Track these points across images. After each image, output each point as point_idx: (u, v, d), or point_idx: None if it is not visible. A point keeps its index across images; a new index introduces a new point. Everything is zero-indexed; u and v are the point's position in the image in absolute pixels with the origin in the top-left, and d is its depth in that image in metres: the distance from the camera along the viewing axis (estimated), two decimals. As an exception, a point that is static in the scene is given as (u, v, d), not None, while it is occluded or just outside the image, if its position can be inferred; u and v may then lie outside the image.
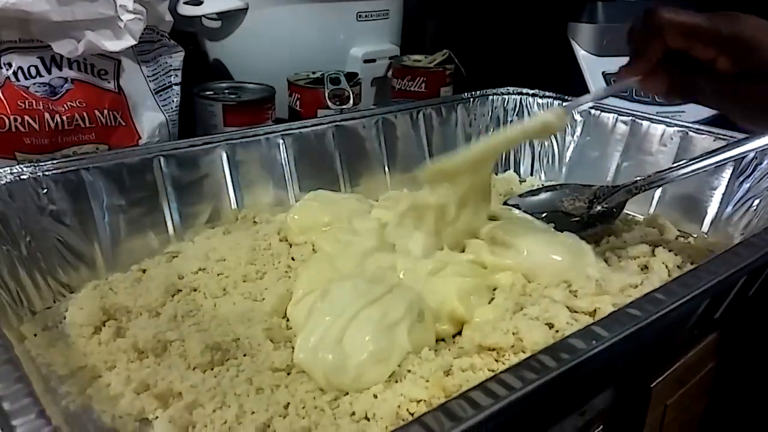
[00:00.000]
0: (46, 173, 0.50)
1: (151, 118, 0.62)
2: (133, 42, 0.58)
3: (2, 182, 0.49)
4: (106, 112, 0.59)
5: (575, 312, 0.44)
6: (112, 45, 0.57)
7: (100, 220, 0.52)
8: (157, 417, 0.38)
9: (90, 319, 0.45)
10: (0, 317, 0.44)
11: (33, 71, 0.56)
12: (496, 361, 0.40)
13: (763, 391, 0.61)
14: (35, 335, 0.45)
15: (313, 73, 0.76)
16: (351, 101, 0.71)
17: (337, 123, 0.65)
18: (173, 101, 0.64)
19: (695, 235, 0.62)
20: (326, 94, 0.70)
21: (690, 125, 0.66)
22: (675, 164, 0.60)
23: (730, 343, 0.57)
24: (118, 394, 0.39)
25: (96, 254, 0.52)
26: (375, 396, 0.37)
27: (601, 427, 0.45)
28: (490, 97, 0.77)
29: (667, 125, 0.67)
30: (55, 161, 0.51)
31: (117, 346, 0.43)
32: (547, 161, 0.76)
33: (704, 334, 0.53)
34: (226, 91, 0.70)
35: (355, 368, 0.37)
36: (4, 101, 0.54)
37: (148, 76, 0.62)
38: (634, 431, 0.51)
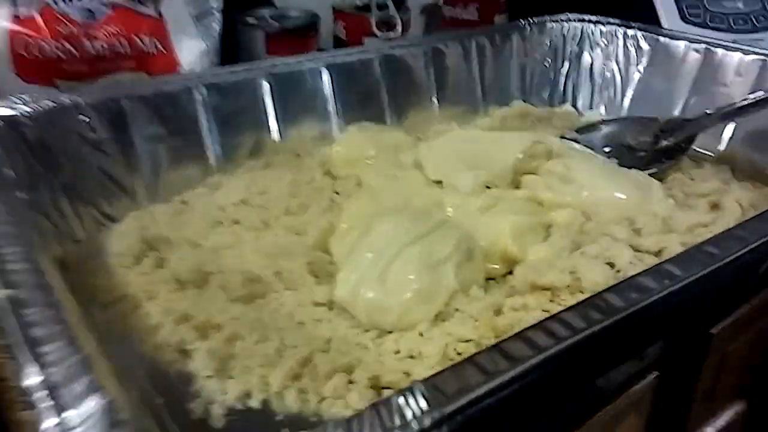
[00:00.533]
0: (87, 101, 0.49)
1: (191, 46, 0.60)
2: (171, -36, 0.55)
3: (43, 109, 0.48)
4: (145, 38, 0.57)
5: (639, 251, 0.40)
6: (151, -33, 0.55)
7: (141, 149, 0.51)
8: (196, 348, 0.37)
9: (131, 249, 0.45)
10: (42, 245, 0.43)
11: (72, -4, 0.55)
12: (551, 301, 0.37)
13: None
14: (77, 264, 0.45)
15: (358, -1, 0.72)
16: (399, 29, 0.67)
17: (385, 52, 0.62)
18: (215, 28, 0.62)
19: (772, 174, 0.57)
20: (373, 21, 0.66)
21: (771, 54, 0.60)
22: (750, 96, 0.55)
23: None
24: (158, 324, 0.38)
25: (137, 184, 0.51)
26: (420, 334, 0.35)
27: (656, 374, 0.43)
28: (548, 25, 0.72)
29: (744, 53, 0.61)
30: (95, 89, 0.50)
31: (158, 277, 0.42)
32: (609, 94, 0.70)
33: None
34: (270, 17, 0.67)
35: (399, 307, 0.35)
36: (44, 26, 0.53)
37: (187, 1, 0.60)
38: (691, 380, 0.48)
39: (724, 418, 0.47)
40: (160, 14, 0.58)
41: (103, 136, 0.49)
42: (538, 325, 0.25)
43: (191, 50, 0.59)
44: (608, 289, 0.27)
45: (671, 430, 0.42)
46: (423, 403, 0.21)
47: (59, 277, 0.42)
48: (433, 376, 0.22)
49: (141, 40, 0.57)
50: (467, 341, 0.34)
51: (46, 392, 0.21)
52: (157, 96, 0.52)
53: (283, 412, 0.33)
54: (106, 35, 0.55)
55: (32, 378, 0.22)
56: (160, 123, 0.52)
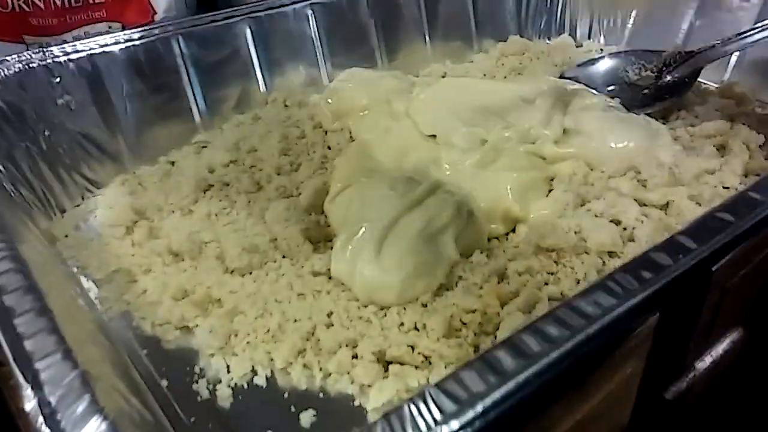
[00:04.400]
0: (57, 59, 0.46)
1: (165, -10, 0.56)
2: None
3: (11, 72, 0.45)
4: (115, -16, 0.53)
5: (645, 205, 0.39)
6: None
7: (121, 109, 0.48)
8: (197, 325, 0.36)
9: (121, 219, 0.43)
10: (28, 217, 0.42)
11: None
12: (556, 263, 0.36)
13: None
14: (66, 236, 0.43)
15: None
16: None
17: (372, -12, 0.58)
18: (188, -32, 0.57)
19: (777, 105, 0.55)
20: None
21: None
22: (757, 25, 0.52)
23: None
24: (156, 301, 0.37)
25: (120, 146, 0.49)
26: (424, 305, 0.34)
27: (658, 314, 0.43)
28: (544, -52, 0.67)
29: (752, -24, 0.58)
30: (65, 46, 0.46)
31: (151, 248, 0.41)
32: (608, 22, 0.67)
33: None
34: (247, -47, 0.63)
35: (398, 284, 0.34)
36: (3, -24, 0.49)
37: (158, -59, 0.55)
38: (692, 317, 0.48)
39: (721, 347, 0.47)
40: (129, -43, 0.53)
41: (79, 96, 0.47)
42: (550, 316, 0.24)
43: (165, -6, 0.56)
44: (621, 268, 0.26)
45: (671, 364, 0.42)
46: (437, 413, 0.20)
47: (49, 251, 0.41)
48: (444, 379, 0.21)
49: (110, -13, 0.53)
50: (472, 312, 0.33)
51: (42, 419, 0.20)
52: (133, 49, 0.49)
53: (289, 389, 0.33)
54: (72, -17, 0.51)
55: (29, 402, 0.21)
56: (139, 79, 0.49)
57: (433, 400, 0.21)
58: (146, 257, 0.41)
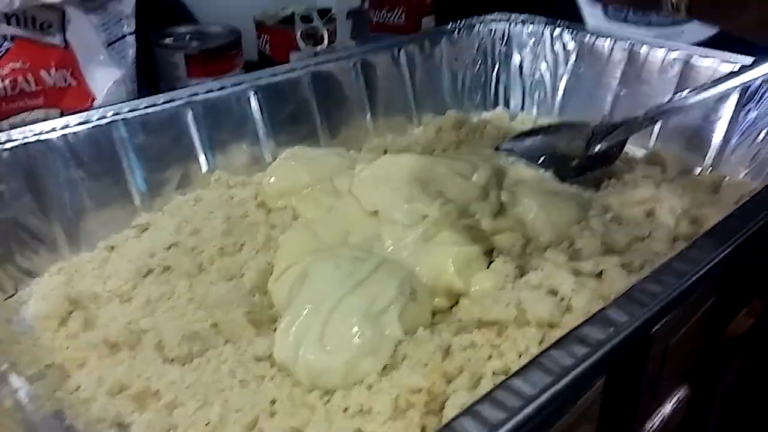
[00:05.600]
0: (-9, 149, 0.45)
1: (105, 75, 0.56)
2: (75, -12, 0.51)
3: (-58, 161, 0.44)
4: (53, 71, 0.53)
5: (580, 274, 0.40)
6: (51, -6, 0.51)
7: (58, 196, 0.48)
8: (134, 421, 0.34)
9: (55, 310, 0.42)
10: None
11: (-35, 30, 0.50)
12: (498, 336, 0.37)
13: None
14: (-3, 330, 0.41)
15: (283, 9, 0.69)
16: (325, 41, 0.65)
17: (312, 69, 0.60)
18: (129, 53, 0.58)
19: (699, 170, 0.58)
20: (298, 35, 0.64)
21: (692, 49, 0.61)
22: (677, 95, 0.56)
23: (730, 278, 0.55)
24: (91, 398, 0.36)
25: (57, 234, 0.47)
26: (369, 387, 0.34)
27: (604, 378, 0.44)
28: (476, 27, 0.71)
29: (668, 50, 0.62)
30: (1, 135, 0.46)
31: (86, 340, 0.39)
32: (540, 94, 0.71)
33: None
34: (188, 37, 0.64)
35: (342, 367, 0.34)
36: (-65, 67, 0.49)
37: (97, 27, 0.56)
38: (637, 378, 0.49)
39: (669, 406, 0.48)
40: (66, 43, 0.54)
41: (14, 185, 0.46)
42: (488, 397, 0.24)
43: (105, 79, 0.56)
44: (555, 345, 0.27)
45: (621, 426, 0.42)
46: None
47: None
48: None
49: (48, 74, 0.53)
50: (418, 391, 0.33)
51: None
52: (72, 136, 0.48)
53: (232, 485, 0.31)
54: (8, 72, 0.51)
55: None
56: (77, 165, 0.48)
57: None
58: (81, 350, 0.39)
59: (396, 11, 0.75)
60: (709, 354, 0.49)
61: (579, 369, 0.26)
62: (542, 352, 0.26)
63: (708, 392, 0.52)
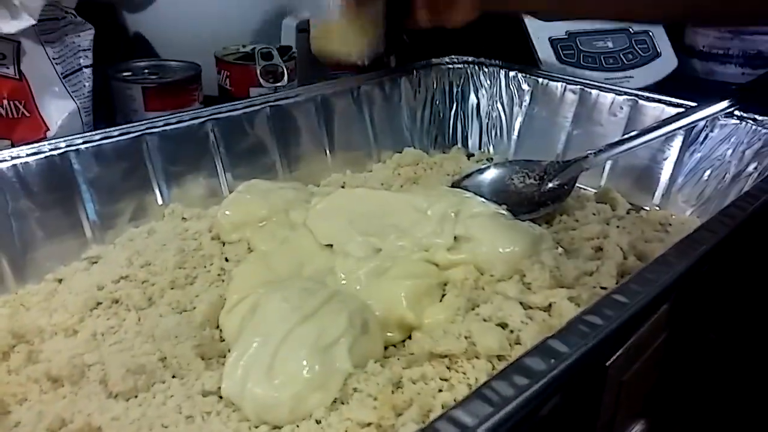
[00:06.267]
0: (-64, 178, 0.44)
1: (59, 107, 0.55)
2: (32, 21, 0.51)
3: None
4: (5, 102, 0.52)
5: (530, 308, 0.41)
6: (7, 26, 0.50)
7: (5, 228, 0.46)
8: (73, 459, 0.33)
9: (-3, 344, 0.40)
10: None
11: None
12: (449, 368, 0.37)
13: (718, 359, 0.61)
14: (-66, 366, 0.40)
15: (244, 46, 0.70)
16: (285, 78, 0.66)
17: (271, 104, 0.60)
18: (85, 86, 0.58)
19: (647, 208, 0.60)
20: (258, 71, 0.65)
21: (640, 93, 0.64)
22: (625, 136, 0.58)
23: (681, 314, 0.56)
24: (29, 434, 0.35)
25: (2, 266, 0.46)
26: (317, 422, 0.33)
27: (557, 412, 0.44)
28: (434, 68, 0.73)
29: (616, 93, 0.65)
30: (-53, 163, 0.45)
31: (28, 375, 0.38)
32: (495, 134, 0.73)
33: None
34: (146, 70, 0.64)
35: (290, 401, 0.33)
36: None
37: (54, 59, 0.55)
38: (591, 411, 0.50)
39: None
40: (21, 74, 0.53)
41: (-41, 215, 0.45)
42: (429, 428, 0.24)
43: (60, 111, 0.55)
44: (497, 376, 0.27)
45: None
46: None
47: None
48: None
49: (0, 104, 0.52)
50: (368, 425, 0.33)
51: None
52: (22, 167, 0.48)
53: None
54: (-41, 101, 0.50)
55: None
56: (27, 197, 0.47)
57: None
58: (22, 385, 0.38)
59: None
60: (664, 389, 0.50)
61: (520, 399, 0.26)
62: (484, 384, 0.26)
63: (665, 426, 0.53)
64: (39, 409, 0.36)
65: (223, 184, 0.58)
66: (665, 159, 0.61)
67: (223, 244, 0.50)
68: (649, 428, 0.50)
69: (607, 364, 0.50)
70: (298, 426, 0.33)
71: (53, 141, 0.49)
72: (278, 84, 0.65)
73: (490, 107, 0.73)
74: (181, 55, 0.68)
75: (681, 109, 0.59)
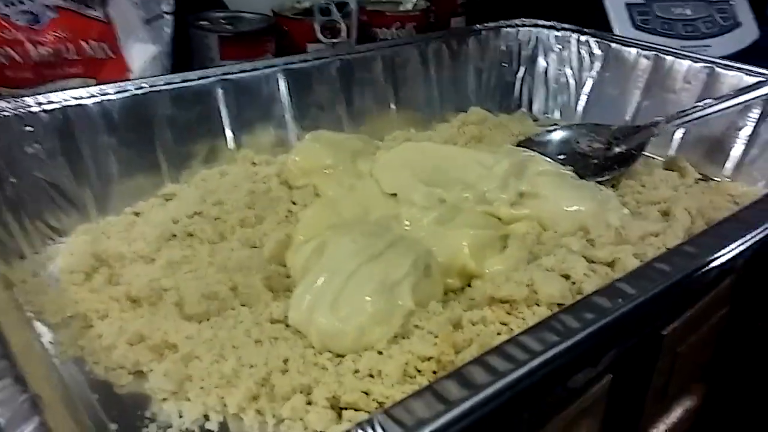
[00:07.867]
0: (30, 110, 0.47)
1: (142, 50, 0.58)
2: (118, -33, 0.53)
3: (-17, 120, 0.46)
4: (93, 43, 0.55)
5: (593, 262, 0.41)
6: (95, -30, 0.53)
7: (90, 160, 0.49)
8: (152, 370, 0.36)
9: (81, 265, 0.43)
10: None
11: (13, -2, 0.52)
12: (509, 314, 0.37)
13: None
14: (24, 281, 0.43)
15: (299, 2, 0.70)
16: (343, 34, 0.66)
17: (341, 57, 0.61)
18: (166, 31, 0.60)
19: (717, 179, 0.59)
20: (317, 27, 0.65)
21: (717, 61, 0.62)
22: (699, 103, 0.56)
23: (744, 289, 0.55)
24: (111, 346, 0.37)
25: (86, 196, 0.49)
26: (380, 353, 0.35)
27: (611, 377, 0.44)
28: (504, 30, 0.72)
29: (693, 61, 0.63)
30: (39, 97, 0.48)
31: (109, 294, 0.41)
32: (563, 99, 0.72)
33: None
34: (223, 21, 0.66)
35: (353, 332, 0.34)
36: (-17, 30, 0.51)
37: (137, 3, 0.58)
38: (644, 381, 0.49)
39: (675, 415, 0.48)
40: (108, 17, 0.56)
41: (49, 146, 0.48)
42: (497, 349, 0.25)
43: (141, 55, 0.58)
44: (564, 310, 0.27)
45: (625, 429, 0.42)
46: (383, 438, 0.21)
47: (4, 295, 0.40)
48: (391, 407, 0.22)
49: (88, 45, 0.55)
50: (428, 359, 0.34)
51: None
52: (107, 104, 0.50)
53: (241, 435, 0.32)
54: (51, 40, 0.53)
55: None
56: (110, 132, 0.50)
57: (380, 425, 0.21)
58: (104, 303, 0.40)
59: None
60: (721, 363, 0.49)
61: (585, 332, 0.26)
62: (551, 316, 0.27)
63: (717, 407, 0.52)
64: (119, 324, 0.39)
65: (291, 134, 0.59)
66: (740, 130, 0.59)
67: (291, 189, 0.52)
68: (700, 406, 0.50)
69: (664, 332, 0.50)
70: (360, 355, 0.35)
71: (137, 81, 0.51)
72: (336, 40, 0.65)
73: (559, 72, 0.72)
74: (252, 8, 0.69)
75: (761, 78, 0.57)
